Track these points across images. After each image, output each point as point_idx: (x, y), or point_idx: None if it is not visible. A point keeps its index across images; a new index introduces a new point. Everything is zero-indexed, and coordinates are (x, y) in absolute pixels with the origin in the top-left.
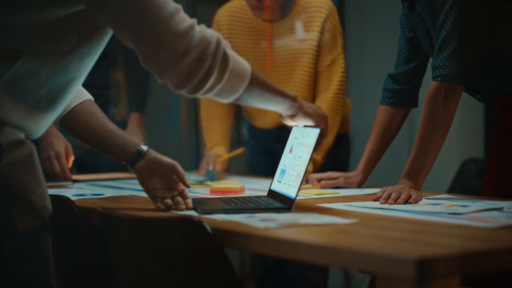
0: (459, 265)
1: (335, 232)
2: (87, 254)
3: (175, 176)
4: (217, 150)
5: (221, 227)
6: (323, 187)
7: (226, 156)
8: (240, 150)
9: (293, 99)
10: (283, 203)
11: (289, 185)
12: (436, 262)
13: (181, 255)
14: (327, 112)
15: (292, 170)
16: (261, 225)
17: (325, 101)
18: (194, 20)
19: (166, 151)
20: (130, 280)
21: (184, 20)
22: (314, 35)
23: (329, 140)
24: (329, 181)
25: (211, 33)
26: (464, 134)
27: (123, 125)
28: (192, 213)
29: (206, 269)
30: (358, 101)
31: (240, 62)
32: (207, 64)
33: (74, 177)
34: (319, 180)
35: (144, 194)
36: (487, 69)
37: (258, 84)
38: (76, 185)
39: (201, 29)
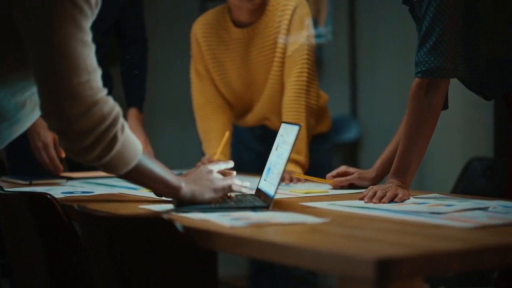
0: (422, 265)
1: (305, 232)
2: (70, 252)
3: None
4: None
5: (193, 226)
6: (337, 184)
7: (218, 153)
8: (226, 137)
9: (176, 191)
10: (265, 201)
11: (270, 183)
12: (398, 262)
13: (152, 254)
14: (291, 109)
15: (274, 168)
16: (228, 223)
17: (286, 98)
18: (103, 94)
19: (171, 146)
20: (105, 279)
21: (91, 89)
22: (283, 33)
23: (302, 135)
24: (342, 178)
25: (110, 110)
26: (470, 132)
27: None
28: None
29: (177, 268)
30: (369, 105)
31: (128, 149)
32: (90, 139)
33: (68, 174)
34: (334, 176)
35: (133, 192)
36: (489, 65)
37: (141, 172)
38: (69, 182)
39: (103, 104)
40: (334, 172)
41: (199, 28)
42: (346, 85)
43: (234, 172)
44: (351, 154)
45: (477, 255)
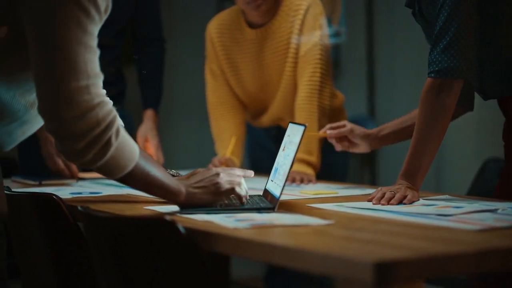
0: (422, 268)
1: (308, 234)
2: (76, 253)
3: None
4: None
5: (195, 227)
6: (329, 136)
7: (228, 154)
8: (233, 142)
9: (175, 196)
10: (272, 202)
11: (277, 184)
12: (397, 265)
13: (154, 255)
14: (303, 109)
15: (281, 169)
16: (232, 225)
17: (299, 98)
18: (101, 99)
19: (188, 144)
20: (108, 280)
21: (89, 94)
22: (296, 33)
23: (314, 136)
24: (334, 130)
25: (105, 114)
26: (486, 132)
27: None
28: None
29: (180, 269)
30: (386, 105)
31: (123, 153)
32: (84, 143)
33: (78, 174)
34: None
35: (140, 193)
36: (494, 64)
37: (138, 177)
38: (79, 183)
39: (99, 109)
40: (334, 125)
41: (214, 29)
42: (364, 85)
43: (250, 172)
44: (368, 154)
45: (479, 258)
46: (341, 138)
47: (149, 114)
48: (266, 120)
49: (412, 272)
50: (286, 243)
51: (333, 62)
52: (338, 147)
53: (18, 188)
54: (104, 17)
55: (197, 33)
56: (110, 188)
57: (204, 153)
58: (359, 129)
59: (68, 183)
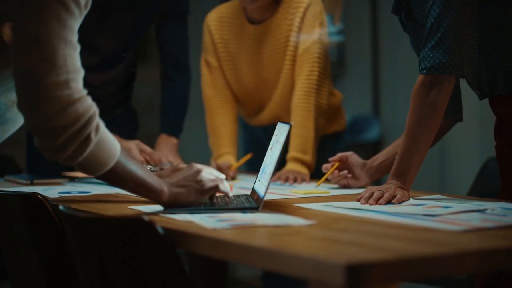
0: (396, 271)
1: (286, 234)
2: (62, 252)
3: None
4: (226, 159)
5: (174, 228)
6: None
7: (236, 165)
8: (247, 157)
9: (157, 195)
10: (257, 202)
11: (263, 183)
12: (369, 267)
13: (133, 256)
14: (299, 107)
15: (267, 169)
16: (211, 225)
17: (296, 96)
18: (82, 95)
19: (192, 140)
20: (89, 280)
21: (69, 89)
22: (295, 31)
23: (309, 135)
24: (335, 157)
25: (85, 110)
26: (489, 132)
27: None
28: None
29: (157, 269)
30: (391, 103)
31: (103, 150)
32: (62, 138)
33: (71, 174)
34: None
35: (129, 193)
36: (488, 61)
37: (119, 174)
38: (71, 182)
39: (79, 104)
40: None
41: (213, 21)
42: (368, 84)
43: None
44: (373, 153)
45: (458, 259)
46: (341, 176)
47: (159, 140)
48: (264, 118)
49: (387, 274)
50: (261, 244)
51: (338, 61)
52: (340, 183)
53: (9, 187)
54: (84, 12)
55: (198, 32)
56: (101, 188)
57: (203, 152)
58: (355, 157)
59: (60, 182)
